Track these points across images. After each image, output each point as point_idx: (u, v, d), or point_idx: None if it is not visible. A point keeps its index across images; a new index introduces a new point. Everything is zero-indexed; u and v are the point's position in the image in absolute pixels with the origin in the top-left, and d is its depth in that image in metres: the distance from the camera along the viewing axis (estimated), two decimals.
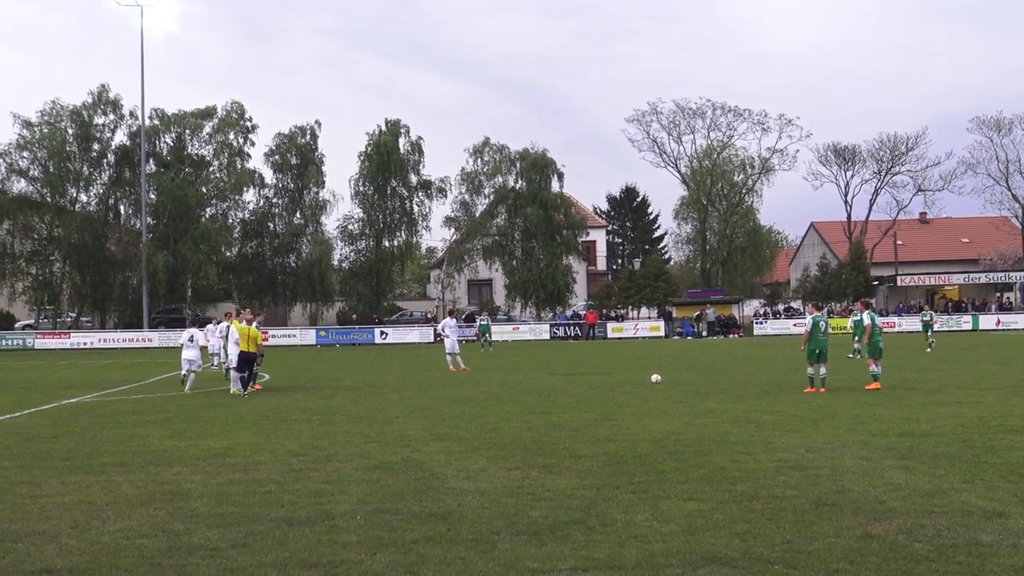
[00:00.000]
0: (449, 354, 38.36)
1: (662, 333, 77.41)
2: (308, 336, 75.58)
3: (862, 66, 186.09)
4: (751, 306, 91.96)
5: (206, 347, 34.63)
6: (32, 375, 39.64)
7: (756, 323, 79.78)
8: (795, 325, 72.25)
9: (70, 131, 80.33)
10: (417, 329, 78.00)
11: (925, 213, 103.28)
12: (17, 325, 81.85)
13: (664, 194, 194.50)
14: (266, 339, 36.01)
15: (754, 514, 10.48)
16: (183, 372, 29.99)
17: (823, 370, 25.27)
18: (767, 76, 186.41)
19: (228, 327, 29.44)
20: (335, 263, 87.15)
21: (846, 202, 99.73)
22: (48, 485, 12.97)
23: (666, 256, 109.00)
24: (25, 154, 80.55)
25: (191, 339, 30.53)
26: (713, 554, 8.90)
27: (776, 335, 73.38)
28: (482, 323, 62.27)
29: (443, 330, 40.67)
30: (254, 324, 29.36)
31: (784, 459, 14.02)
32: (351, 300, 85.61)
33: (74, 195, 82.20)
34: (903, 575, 8.27)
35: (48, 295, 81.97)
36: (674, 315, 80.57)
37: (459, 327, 44.49)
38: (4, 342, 73.21)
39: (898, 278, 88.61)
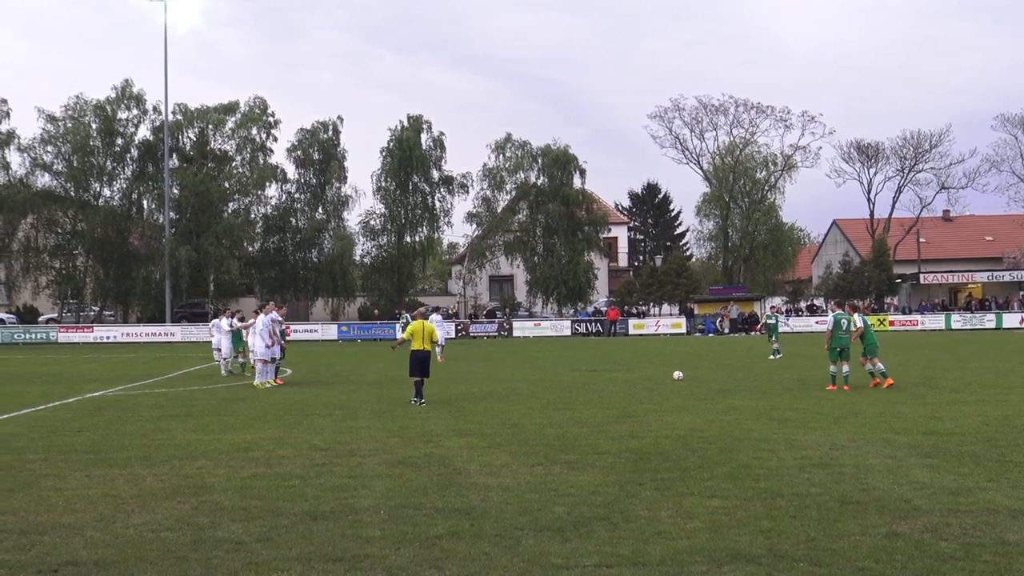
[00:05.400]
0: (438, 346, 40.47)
1: (684, 330, 77.23)
2: (330, 331, 75.66)
3: (885, 63, 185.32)
4: (773, 303, 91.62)
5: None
6: (56, 369, 39.81)
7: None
8: (817, 323, 72.09)
9: (94, 126, 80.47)
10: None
11: (948, 211, 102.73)
12: (41, 319, 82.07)
13: (686, 191, 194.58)
14: (289, 334, 36.06)
15: (778, 511, 10.46)
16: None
17: (845, 368, 25.18)
18: (789, 73, 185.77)
19: (268, 320, 29.29)
20: (357, 258, 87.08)
21: (869, 199, 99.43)
22: (73, 478, 13.03)
23: (688, 253, 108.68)
24: (49, 148, 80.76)
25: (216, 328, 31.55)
26: (738, 551, 8.89)
27: (799, 333, 73.13)
28: (402, 321, 61.76)
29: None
30: (272, 315, 29.47)
31: (808, 456, 13.98)
32: (373, 295, 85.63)
33: (97, 190, 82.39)
34: (929, 573, 8.24)
35: (71, 289, 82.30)
36: (696, 312, 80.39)
37: (444, 322, 47.49)
38: (28, 336, 73.51)
39: (921, 276, 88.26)
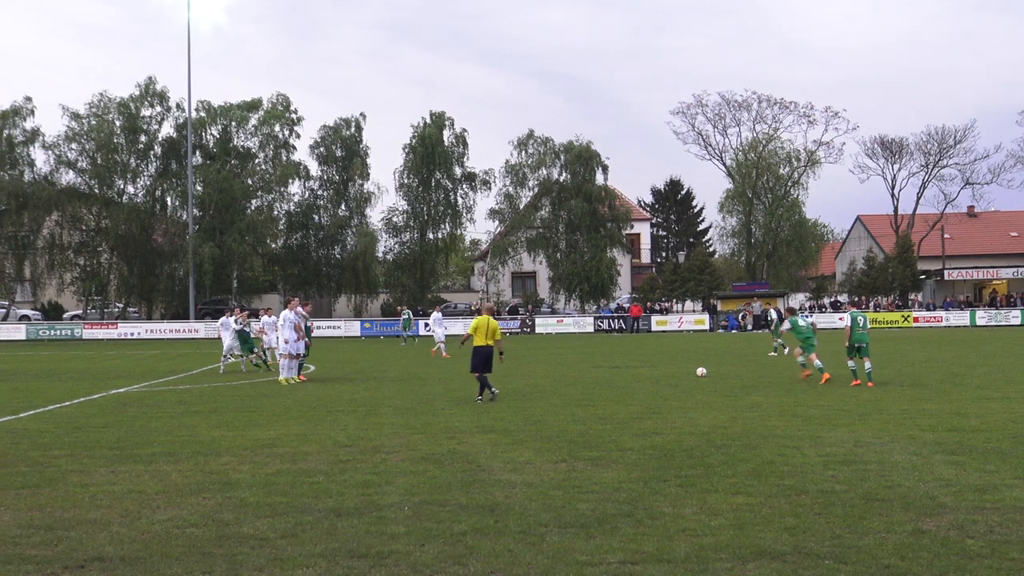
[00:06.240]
0: (439, 343, 44.50)
1: (707, 326, 77.09)
2: (353, 328, 75.87)
3: (909, 58, 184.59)
4: (796, 300, 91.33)
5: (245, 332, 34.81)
6: (80, 365, 39.99)
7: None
8: (840, 320, 71.79)
9: (118, 123, 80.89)
10: (462, 321, 78.03)
11: (973, 207, 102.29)
12: (65, 315, 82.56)
13: (709, 187, 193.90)
14: (313, 330, 36.18)
15: (803, 508, 10.42)
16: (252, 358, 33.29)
17: (867, 364, 25.11)
18: (813, 68, 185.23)
19: (294, 315, 29.40)
20: (379, 255, 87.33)
21: (893, 195, 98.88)
22: (98, 474, 13.08)
23: (711, 249, 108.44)
24: (73, 146, 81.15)
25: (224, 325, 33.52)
26: (763, 548, 8.86)
27: (822, 329, 72.82)
28: (404, 317, 62.31)
29: (431, 323, 46.99)
30: (298, 310, 29.59)
31: (832, 453, 13.93)
32: (395, 292, 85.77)
33: (121, 187, 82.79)
34: (956, 571, 8.19)
35: (96, 286, 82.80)
36: (719, 308, 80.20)
37: (444, 320, 48.57)
38: (53, 332, 73.94)
39: (945, 272, 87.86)
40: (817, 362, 26.32)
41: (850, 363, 25.57)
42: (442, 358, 41.53)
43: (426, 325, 60.38)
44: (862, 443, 14.88)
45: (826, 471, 12.57)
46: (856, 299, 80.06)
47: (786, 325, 27.56)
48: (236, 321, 34.49)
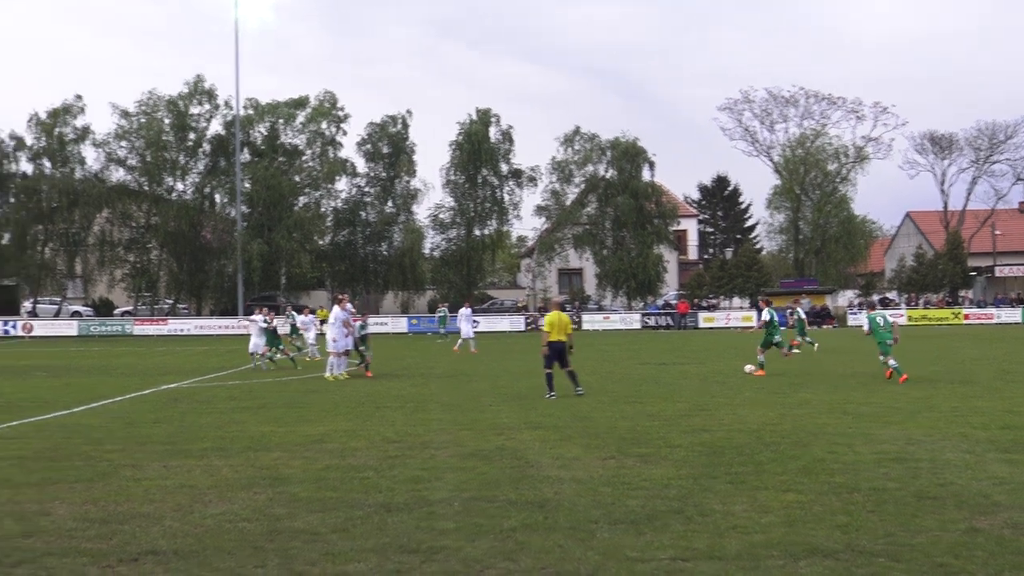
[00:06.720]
0: (463, 339, 44.93)
1: (754, 323, 76.59)
2: (400, 324, 76.06)
3: (959, 53, 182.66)
4: (845, 296, 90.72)
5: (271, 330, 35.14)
6: (131, 361, 40.38)
7: (850, 313, 78.64)
8: (890, 316, 71.18)
9: (166, 121, 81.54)
10: (508, 318, 78.13)
11: None
12: (116, 311, 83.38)
13: (755, 183, 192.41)
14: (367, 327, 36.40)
15: (855, 506, 10.35)
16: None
17: (891, 361, 25.32)
18: (861, 64, 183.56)
19: (344, 313, 29.63)
20: (426, 252, 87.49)
21: (942, 191, 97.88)
22: (150, 468, 13.21)
23: (758, 246, 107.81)
24: (123, 143, 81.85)
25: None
26: (815, 546, 8.81)
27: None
28: (440, 314, 62.40)
29: (459, 319, 47.14)
30: (348, 307, 29.83)
31: (884, 451, 13.82)
32: (442, 288, 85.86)
33: (170, 184, 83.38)
34: (1012, 570, 8.12)
35: (146, 282, 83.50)
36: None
37: (472, 316, 49.14)
38: (104, 328, 74.66)
39: (996, 269, 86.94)
40: (892, 362, 25.79)
41: (881, 358, 25.86)
42: (469, 354, 42.06)
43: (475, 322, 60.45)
44: (914, 441, 14.75)
45: (878, 469, 12.48)
46: (872, 300, 79.22)
47: (865, 324, 26.97)
48: (263, 320, 34.76)
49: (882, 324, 25.72)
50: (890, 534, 9.23)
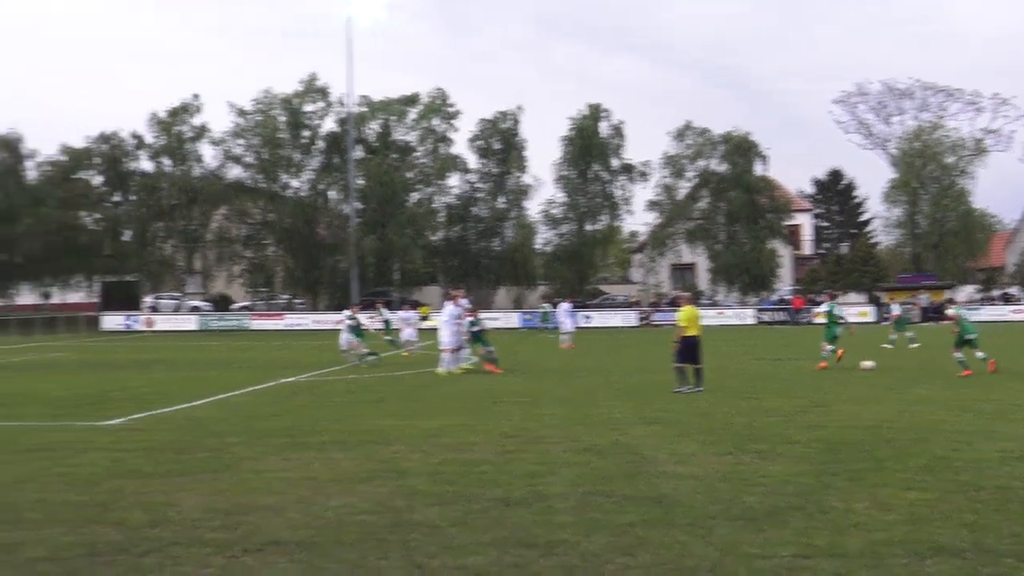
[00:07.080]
0: (563, 334, 45.29)
1: (870, 319, 75.32)
2: (512, 319, 76.28)
3: None
4: (965, 292, 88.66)
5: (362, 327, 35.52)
6: (250, 355, 41.14)
7: (970, 309, 76.78)
8: (1012, 312, 69.67)
9: (282, 119, 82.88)
10: (620, 313, 77.90)
11: None
12: (234, 306, 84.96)
13: (870, 177, 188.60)
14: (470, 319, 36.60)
15: (981, 505, 10.14)
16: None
17: (979, 353, 25.88)
18: (976, 55, 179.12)
19: (458, 310, 29.94)
20: (538, 247, 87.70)
21: None
22: (271, 461, 13.46)
23: (874, 240, 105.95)
24: (240, 141, 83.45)
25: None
26: (940, 544, 8.65)
27: (991, 322, 70.66)
28: (543, 311, 62.17)
29: (559, 314, 47.65)
30: (463, 302, 30.10)
31: (1008, 449, 13.52)
32: (555, 284, 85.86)
33: (286, 181, 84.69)
34: None
35: (263, 278, 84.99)
36: (884, 300, 78.24)
37: (574, 312, 50.10)
38: (222, 323, 76.19)
39: None
40: (979, 353, 26.09)
41: (957, 355, 25.92)
42: (566, 348, 42.57)
43: (586, 318, 60.33)
44: None
45: (1003, 467, 12.23)
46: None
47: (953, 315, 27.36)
48: (348, 316, 35.15)
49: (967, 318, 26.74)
50: (1017, 534, 9.02)
